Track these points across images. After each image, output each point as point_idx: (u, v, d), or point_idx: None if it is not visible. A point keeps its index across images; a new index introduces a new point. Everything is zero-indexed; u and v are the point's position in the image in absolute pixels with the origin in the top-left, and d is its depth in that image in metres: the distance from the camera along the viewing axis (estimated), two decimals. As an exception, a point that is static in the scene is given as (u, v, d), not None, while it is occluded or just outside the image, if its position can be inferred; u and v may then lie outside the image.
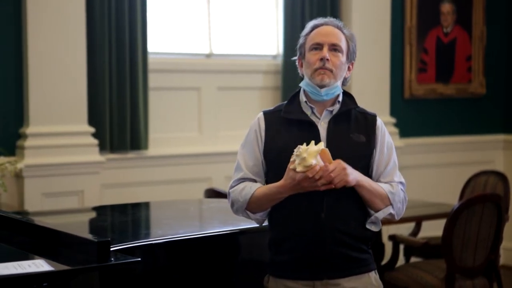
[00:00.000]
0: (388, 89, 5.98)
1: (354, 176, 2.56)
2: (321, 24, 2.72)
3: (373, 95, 5.78)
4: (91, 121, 4.85)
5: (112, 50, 4.90)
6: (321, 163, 2.47)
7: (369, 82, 5.80)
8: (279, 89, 5.57)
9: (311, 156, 2.45)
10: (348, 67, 2.75)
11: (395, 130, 5.97)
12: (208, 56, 5.49)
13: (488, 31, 6.51)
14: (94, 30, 4.82)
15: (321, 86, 2.66)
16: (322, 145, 2.52)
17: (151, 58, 5.11)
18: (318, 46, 2.68)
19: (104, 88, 4.86)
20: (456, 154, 6.40)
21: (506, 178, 4.97)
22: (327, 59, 2.65)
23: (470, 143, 6.48)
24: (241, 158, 2.74)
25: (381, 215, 2.66)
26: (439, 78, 6.32)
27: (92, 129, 4.83)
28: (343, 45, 2.69)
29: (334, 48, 2.67)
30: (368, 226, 2.67)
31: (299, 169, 2.47)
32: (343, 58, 2.69)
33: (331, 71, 2.66)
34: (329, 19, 2.75)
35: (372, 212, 2.66)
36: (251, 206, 2.68)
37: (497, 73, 6.60)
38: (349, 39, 2.72)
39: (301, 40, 2.75)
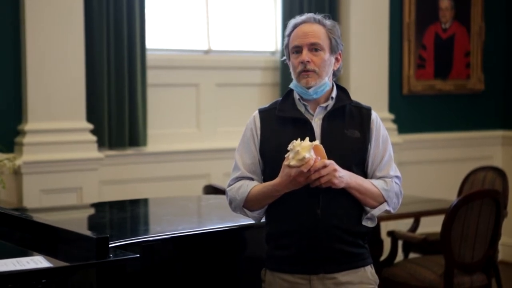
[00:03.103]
0: (387, 85, 5.98)
1: (343, 179, 2.56)
2: (300, 23, 2.71)
3: (372, 91, 5.79)
4: (90, 118, 4.85)
5: (110, 47, 4.89)
6: (315, 157, 2.48)
7: (368, 79, 5.80)
8: (277, 85, 5.57)
9: (304, 150, 2.47)
10: (336, 58, 2.73)
11: (394, 126, 5.97)
12: (207, 52, 5.49)
13: (486, 27, 6.51)
14: (92, 27, 4.82)
15: (308, 88, 2.66)
16: (317, 141, 2.53)
17: (149, 55, 5.11)
18: (298, 49, 2.68)
19: (102, 84, 4.85)
20: (455, 150, 6.40)
21: (505, 174, 4.98)
22: (308, 61, 2.65)
23: (469, 139, 6.49)
24: (238, 157, 2.75)
25: (377, 212, 2.67)
26: (438, 74, 6.32)
27: (90, 126, 4.83)
28: (323, 41, 2.67)
29: (314, 47, 2.66)
30: (364, 223, 2.68)
31: (292, 162, 2.48)
32: (325, 54, 2.67)
33: (314, 71, 2.65)
34: (307, 16, 2.72)
35: (368, 209, 2.66)
36: (248, 204, 2.69)
37: (496, 69, 6.60)
38: (330, 32, 2.70)
39: (285, 41, 2.75)
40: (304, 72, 2.65)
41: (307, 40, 2.66)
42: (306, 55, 2.65)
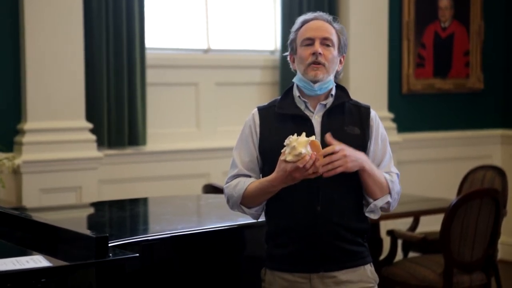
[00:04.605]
0: (386, 84, 5.98)
1: (357, 163, 2.55)
2: (311, 19, 2.73)
3: (371, 90, 5.79)
4: (89, 117, 4.85)
5: (109, 46, 4.89)
6: (311, 153, 2.48)
7: (367, 77, 5.80)
8: (277, 84, 5.57)
9: (301, 145, 2.46)
10: (340, 60, 2.75)
11: (393, 125, 5.98)
12: (206, 51, 5.49)
13: (485, 26, 6.51)
14: (92, 26, 4.82)
15: (315, 82, 2.66)
16: (313, 137, 2.53)
17: (149, 54, 5.10)
18: (309, 41, 2.68)
19: (102, 83, 4.85)
20: (454, 149, 6.40)
21: (504, 173, 4.98)
22: (320, 53, 2.65)
23: (468, 138, 6.49)
24: (237, 155, 2.75)
25: (379, 203, 2.65)
26: (437, 73, 6.32)
27: (90, 125, 4.83)
28: (334, 38, 2.70)
29: (326, 42, 2.68)
30: (367, 214, 2.68)
31: (289, 158, 2.48)
32: (334, 51, 2.69)
33: (323, 65, 2.66)
34: (318, 14, 2.75)
35: (370, 200, 2.65)
36: (245, 201, 2.68)
37: (495, 68, 6.60)
38: (340, 33, 2.73)
39: (291, 36, 2.76)
40: (314, 64, 2.66)
41: (320, 33, 2.67)
42: (319, 47, 2.66)
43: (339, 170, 2.52)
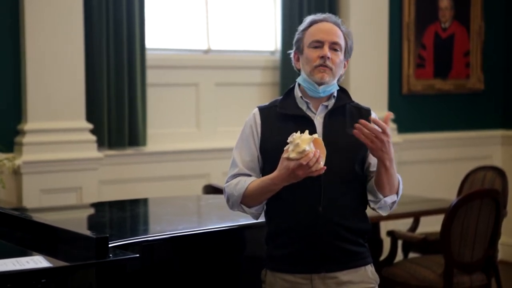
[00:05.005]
0: (386, 84, 5.98)
1: (383, 156, 2.53)
2: (320, 20, 2.71)
3: (371, 90, 5.79)
4: (89, 118, 4.85)
5: (110, 46, 4.89)
6: (314, 150, 2.47)
7: (367, 78, 5.80)
8: (277, 85, 5.57)
9: (304, 142, 2.45)
10: (344, 64, 2.75)
11: (393, 126, 5.97)
12: (206, 52, 5.49)
13: (486, 26, 6.51)
14: (92, 26, 4.82)
15: (320, 84, 2.66)
16: (316, 135, 2.52)
17: (149, 54, 5.10)
18: (318, 44, 2.67)
19: (102, 84, 4.85)
20: (454, 150, 6.40)
21: (504, 174, 4.97)
22: (328, 57, 2.65)
23: (468, 138, 6.49)
24: (237, 154, 2.74)
25: (388, 200, 2.65)
26: (437, 74, 6.32)
27: (90, 126, 4.83)
28: (342, 43, 2.69)
29: (335, 46, 2.67)
30: (378, 211, 2.67)
31: (292, 155, 2.46)
32: (341, 56, 2.69)
33: (330, 69, 2.66)
34: (327, 15, 2.74)
35: (380, 196, 2.64)
36: (246, 200, 2.67)
37: (495, 69, 6.60)
38: (347, 36, 2.72)
39: (298, 35, 2.74)
40: (321, 66, 2.65)
41: (330, 37, 2.67)
42: (328, 51, 2.65)
43: (366, 142, 2.51)
